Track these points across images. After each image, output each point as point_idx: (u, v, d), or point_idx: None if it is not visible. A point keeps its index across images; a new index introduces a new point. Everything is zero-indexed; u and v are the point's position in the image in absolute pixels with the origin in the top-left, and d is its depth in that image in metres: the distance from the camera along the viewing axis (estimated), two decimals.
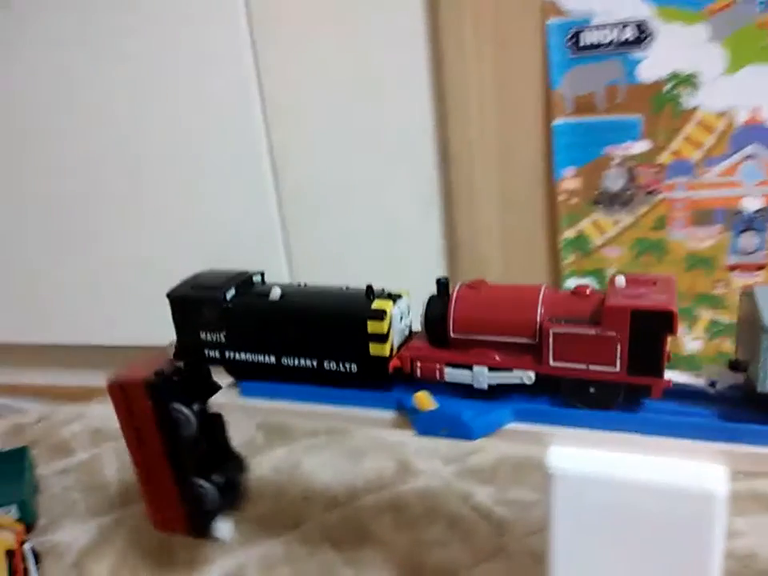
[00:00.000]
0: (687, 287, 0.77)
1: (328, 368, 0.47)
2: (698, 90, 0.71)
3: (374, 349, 0.45)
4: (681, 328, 0.79)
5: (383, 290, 0.47)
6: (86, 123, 0.93)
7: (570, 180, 0.78)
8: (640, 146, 0.74)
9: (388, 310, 0.45)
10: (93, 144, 0.94)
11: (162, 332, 0.52)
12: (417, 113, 0.80)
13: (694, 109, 0.72)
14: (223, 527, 0.54)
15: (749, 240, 0.75)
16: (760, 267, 0.75)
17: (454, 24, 0.75)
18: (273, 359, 0.49)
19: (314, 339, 0.47)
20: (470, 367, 0.43)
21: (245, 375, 0.51)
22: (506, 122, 0.78)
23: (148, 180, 0.94)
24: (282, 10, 0.82)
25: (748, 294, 0.40)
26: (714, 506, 0.36)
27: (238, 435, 0.79)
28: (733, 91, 0.70)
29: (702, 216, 0.75)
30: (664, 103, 0.72)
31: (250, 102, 0.85)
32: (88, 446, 0.82)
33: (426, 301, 0.46)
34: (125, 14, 0.87)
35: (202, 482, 0.52)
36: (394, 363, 0.46)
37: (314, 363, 0.48)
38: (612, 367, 0.39)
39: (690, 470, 0.37)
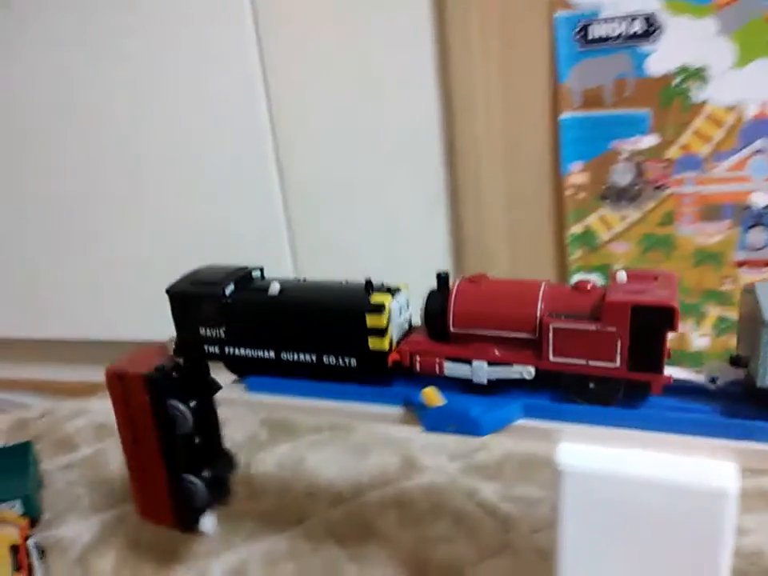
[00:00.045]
0: (695, 283, 0.77)
1: (327, 362, 0.47)
2: (706, 84, 0.70)
3: (373, 343, 0.45)
4: (688, 324, 0.78)
5: (382, 284, 0.47)
6: (85, 123, 0.93)
7: (577, 175, 0.77)
8: (648, 141, 0.74)
9: (387, 304, 0.44)
10: (93, 144, 0.94)
11: (162, 328, 0.52)
12: (423, 109, 0.80)
13: (703, 103, 0.71)
14: (207, 522, 0.54)
15: (757, 236, 0.74)
16: None
17: (461, 19, 0.74)
18: (272, 354, 0.49)
19: (313, 334, 0.47)
20: (469, 362, 0.43)
21: (244, 371, 0.51)
22: (512, 116, 0.77)
23: (149, 179, 0.94)
24: (288, 8, 0.82)
25: (749, 291, 0.40)
26: (725, 503, 0.35)
27: (242, 431, 0.80)
28: (742, 85, 0.70)
29: (711, 211, 0.74)
30: (673, 97, 0.71)
31: (256, 101, 0.85)
32: (92, 441, 0.82)
33: (426, 295, 0.45)
34: (125, 14, 0.87)
35: (192, 477, 0.52)
36: (394, 357, 0.46)
37: (314, 358, 0.48)
38: (612, 363, 0.39)
39: (700, 467, 0.37)
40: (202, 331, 0.50)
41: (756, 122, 0.70)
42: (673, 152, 0.73)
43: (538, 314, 0.41)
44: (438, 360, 0.44)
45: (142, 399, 0.50)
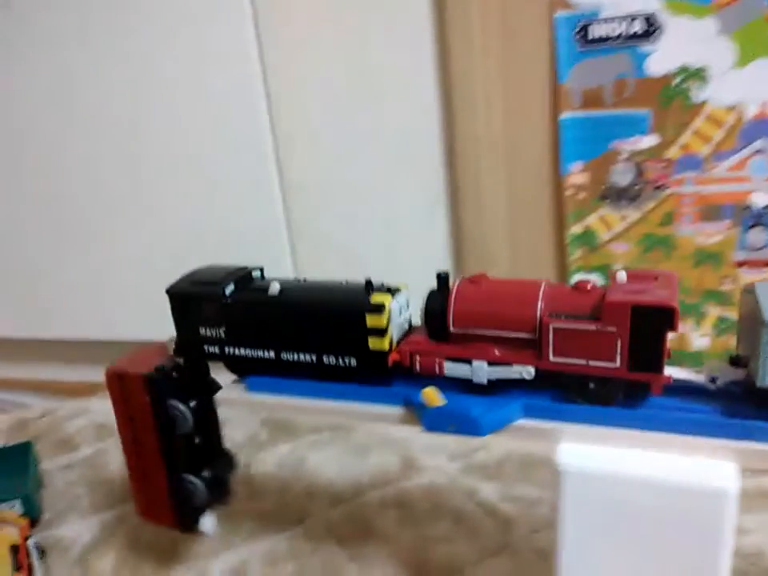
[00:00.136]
0: (695, 283, 0.77)
1: (327, 362, 0.47)
2: (707, 84, 0.70)
3: (373, 343, 0.45)
4: (688, 324, 0.78)
5: (382, 284, 0.47)
6: (85, 123, 0.93)
7: (577, 175, 0.77)
8: (648, 141, 0.74)
9: (386, 304, 0.44)
10: (93, 144, 0.94)
11: (162, 328, 0.52)
12: (423, 109, 0.80)
13: (703, 103, 0.71)
14: (207, 522, 0.54)
15: (757, 236, 0.74)
16: None
17: (461, 18, 0.74)
18: (272, 354, 0.49)
19: (313, 334, 0.47)
20: (469, 362, 0.43)
21: (244, 371, 0.51)
22: (512, 116, 0.77)
23: (149, 179, 0.94)
24: (288, 8, 0.82)
25: (749, 291, 0.40)
26: (725, 503, 0.35)
27: (242, 431, 0.80)
28: (742, 85, 0.70)
29: (711, 211, 0.74)
30: (673, 97, 0.71)
31: (256, 100, 0.85)
32: (92, 441, 0.82)
33: (426, 295, 0.45)
34: (125, 14, 0.86)
35: (192, 477, 0.52)
36: (394, 357, 0.46)
37: (314, 358, 0.48)
38: (612, 363, 0.39)
39: (700, 467, 0.37)
40: (202, 331, 0.50)
41: (756, 122, 0.70)
42: (673, 152, 0.73)
43: (538, 314, 0.41)
44: (437, 360, 0.44)
45: (142, 399, 0.50)
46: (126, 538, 0.62)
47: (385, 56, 0.80)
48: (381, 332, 0.45)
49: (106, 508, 0.68)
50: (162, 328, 0.52)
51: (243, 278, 0.50)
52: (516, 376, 0.42)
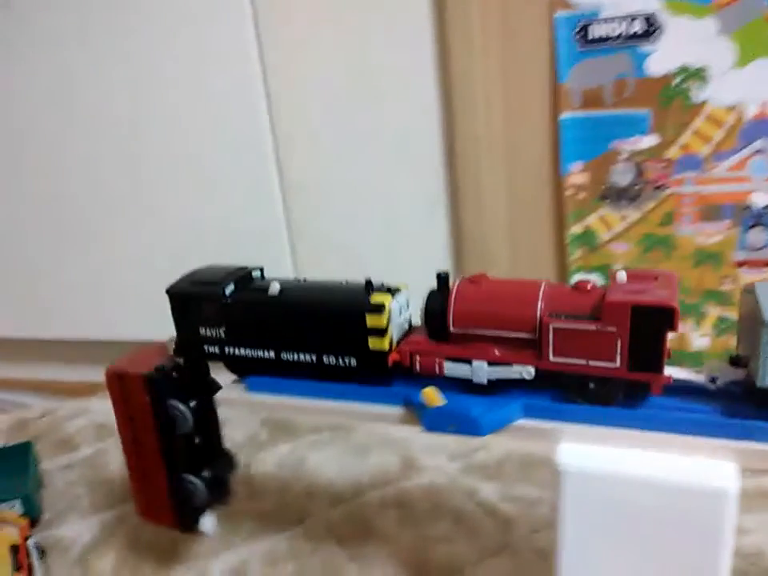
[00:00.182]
0: (695, 283, 0.77)
1: (327, 362, 0.47)
2: (707, 84, 0.70)
3: (373, 343, 0.45)
4: (688, 324, 0.78)
5: (382, 284, 0.47)
6: (85, 123, 0.93)
7: (577, 175, 0.77)
8: (648, 141, 0.74)
9: (386, 304, 0.44)
10: (93, 144, 0.94)
11: (162, 327, 0.52)
12: (423, 109, 0.80)
13: (703, 103, 0.71)
14: (207, 522, 0.54)
15: (757, 236, 0.74)
16: None
17: (461, 18, 0.74)
18: (272, 354, 0.49)
19: (313, 334, 0.47)
20: (469, 362, 0.43)
21: (244, 371, 0.51)
22: (512, 116, 0.77)
23: (149, 179, 0.94)
24: (288, 8, 0.82)
25: (749, 291, 0.40)
26: (725, 503, 0.35)
27: (243, 431, 0.80)
28: (742, 85, 0.70)
29: (711, 211, 0.74)
30: (673, 97, 0.71)
31: (256, 100, 0.85)
32: (92, 441, 0.82)
33: (426, 295, 0.45)
34: (125, 14, 0.86)
35: (192, 477, 0.52)
36: (394, 357, 0.46)
37: (314, 358, 0.47)
38: (612, 363, 0.39)
39: (700, 467, 0.37)
40: (202, 331, 0.50)
41: (756, 122, 0.70)
42: (673, 152, 0.73)
43: (538, 314, 0.41)
44: (437, 360, 0.44)
45: (142, 399, 0.50)
46: (126, 537, 0.62)
47: (385, 56, 0.80)
48: (381, 332, 0.45)
49: (106, 508, 0.68)
50: (162, 328, 0.52)
51: (243, 278, 0.50)
52: (516, 376, 0.42)
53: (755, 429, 0.37)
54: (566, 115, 0.75)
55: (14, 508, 0.64)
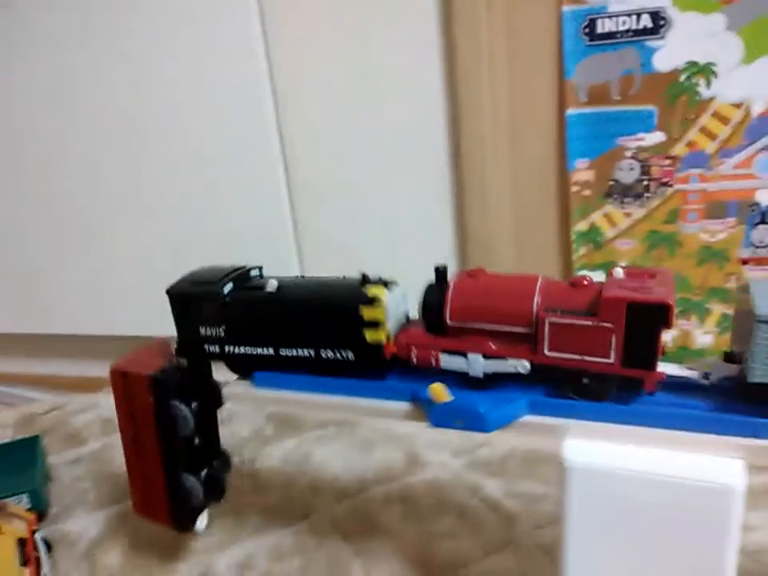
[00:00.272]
0: (700, 281, 0.77)
1: (325, 356, 0.47)
2: (714, 80, 0.70)
3: (370, 335, 0.45)
4: (692, 322, 0.78)
5: (379, 277, 0.47)
6: (85, 123, 0.94)
7: (582, 171, 0.77)
8: (654, 138, 0.73)
9: (381, 296, 0.45)
10: (95, 144, 0.94)
11: (163, 325, 0.52)
12: (429, 107, 0.80)
13: (710, 99, 0.71)
14: (203, 520, 0.55)
15: (763, 233, 0.74)
16: None
17: (467, 15, 0.74)
18: (271, 351, 0.49)
19: (311, 328, 0.47)
20: (465, 355, 0.43)
21: (245, 369, 0.51)
22: (518, 113, 0.77)
23: (150, 178, 0.94)
24: (295, 4, 0.82)
25: (744, 287, 0.40)
26: (732, 500, 0.35)
27: (248, 426, 0.80)
28: (749, 82, 0.69)
29: (716, 209, 0.74)
30: (679, 93, 0.71)
31: (262, 99, 0.85)
32: (99, 435, 0.83)
33: (424, 288, 0.45)
34: (125, 14, 0.86)
35: (190, 477, 0.52)
36: (391, 349, 0.46)
37: (312, 353, 0.48)
38: (606, 359, 0.39)
39: (707, 464, 0.37)
40: (202, 331, 0.50)
41: (762, 119, 0.70)
42: (679, 149, 0.73)
43: (535, 309, 0.41)
44: (434, 353, 0.44)
45: (145, 400, 0.50)
46: (133, 532, 0.63)
47: (391, 55, 0.79)
48: (377, 324, 0.45)
49: (113, 502, 0.68)
50: (162, 326, 0.52)
51: (241, 276, 0.51)
52: (511, 370, 0.42)
53: (760, 425, 0.37)
54: (572, 111, 0.75)
55: (22, 502, 0.64)
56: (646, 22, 0.70)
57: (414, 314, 0.47)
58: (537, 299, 0.41)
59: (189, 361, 0.52)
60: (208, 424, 0.55)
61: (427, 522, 0.60)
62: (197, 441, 0.53)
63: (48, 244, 1.03)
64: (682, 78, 0.71)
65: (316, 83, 0.84)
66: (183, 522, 0.54)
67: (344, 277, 0.49)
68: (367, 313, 0.45)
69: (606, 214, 0.78)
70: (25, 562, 0.54)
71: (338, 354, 0.47)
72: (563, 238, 0.81)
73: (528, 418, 0.42)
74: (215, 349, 0.50)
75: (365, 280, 0.47)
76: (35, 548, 0.57)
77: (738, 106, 0.70)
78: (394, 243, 0.87)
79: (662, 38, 0.70)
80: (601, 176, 0.77)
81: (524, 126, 0.78)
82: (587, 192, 0.78)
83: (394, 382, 0.46)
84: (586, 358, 0.40)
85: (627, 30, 0.71)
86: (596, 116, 0.74)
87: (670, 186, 0.75)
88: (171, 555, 0.59)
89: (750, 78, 0.69)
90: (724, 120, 0.71)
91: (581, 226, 0.79)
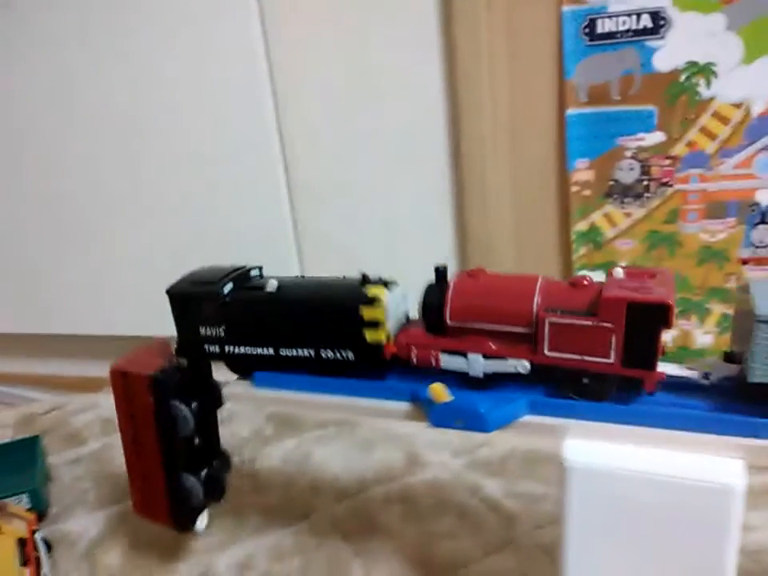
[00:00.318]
0: (700, 281, 0.77)
1: (325, 357, 0.47)
2: (714, 80, 0.70)
3: (370, 335, 0.45)
4: (692, 322, 0.78)
5: (380, 277, 0.47)
6: (85, 123, 0.94)
7: (582, 171, 0.77)
8: (654, 138, 0.74)
9: (381, 296, 0.45)
10: (96, 144, 0.94)
11: (164, 325, 0.52)
12: (429, 107, 0.80)
13: (710, 99, 0.71)
14: (202, 520, 0.55)
15: (763, 233, 0.74)
16: None
17: (467, 15, 0.74)
18: (271, 351, 0.49)
19: (311, 328, 0.47)
20: (465, 355, 0.43)
21: (245, 369, 0.51)
22: (518, 113, 0.77)
23: (150, 178, 0.94)
24: (294, 5, 0.82)
25: (744, 287, 0.40)
26: (732, 500, 0.35)
27: (248, 426, 0.80)
28: (749, 82, 0.69)
29: (716, 209, 0.74)
30: (680, 93, 0.71)
31: (262, 98, 0.85)
32: (99, 435, 0.83)
33: (424, 288, 0.45)
34: (125, 14, 0.86)
35: (190, 477, 0.52)
36: (391, 349, 0.46)
37: (312, 353, 0.48)
38: (606, 359, 0.39)
39: (707, 463, 0.37)
40: (202, 331, 0.50)
41: (762, 118, 0.70)
42: (679, 149, 0.73)
43: (535, 309, 0.41)
44: (434, 353, 0.44)
45: (145, 400, 0.50)
46: (133, 532, 0.63)
47: (391, 55, 0.80)
48: (377, 324, 0.45)
49: (113, 502, 0.68)
50: (162, 325, 0.52)
51: (241, 276, 0.51)
52: (511, 370, 0.42)
53: (760, 425, 0.37)
54: (572, 111, 0.75)
55: (22, 502, 0.64)
56: (646, 21, 0.70)
57: (414, 314, 0.48)
58: (537, 299, 0.41)
59: (189, 361, 0.52)
60: (208, 424, 0.55)
61: (427, 522, 0.60)
62: (197, 441, 0.53)
63: (48, 244, 1.03)
64: (682, 78, 0.71)
65: (316, 83, 0.84)
66: (183, 522, 0.54)
67: (344, 277, 0.49)
68: (367, 313, 0.45)
69: (606, 213, 0.78)
70: (25, 562, 0.54)
71: (338, 354, 0.47)
72: (563, 237, 0.81)
73: (528, 418, 0.42)
74: (215, 349, 0.50)
75: (365, 280, 0.47)
76: (35, 548, 0.57)
77: (738, 106, 0.70)
78: (394, 243, 0.87)
79: (662, 38, 0.70)
80: (601, 176, 0.77)
81: (524, 126, 0.78)
82: (587, 192, 0.78)
83: (394, 382, 0.47)
84: (586, 357, 0.40)
85: (627, 30, 0.71)
86: (596, 116, 0.75)
87: (670, 186, 0.75)
88: (171, 555, 0.59)
89: (750, 78, 0.69)
90: (724, 120, 0.71)
91: (581, 225, 0.79)
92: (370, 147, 0.84)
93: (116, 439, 0.80)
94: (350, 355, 0.47)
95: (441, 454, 0.71)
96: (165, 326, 0.52)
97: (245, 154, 0.88)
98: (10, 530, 0.56)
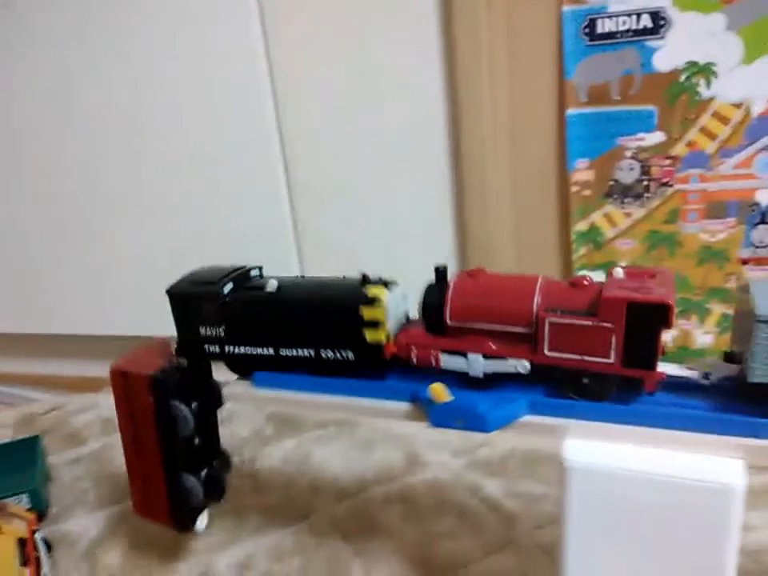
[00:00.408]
0: (700, 281, 0.77)
1: (325, 357, 0.47)
2: (714, 80, 0.70)
3: (370, 335, 0.45)
4: (692, 322, 0.78)
5: (380, 277, 0.47)
6: (85, 123, 0.94)
7: (582, 171, 0.77)
8: (654, 138, 0.74)
9: (381, 296, 0.45)
10: (95, 144, 0.94)
11: (164, 325, 0.52)
12: (429, 107, 0.80)
13: (710, 99, 0.71)
14: (202, 520, 0.55)
15: (763, 233, 0.74)
16: None
17: (467, 16, 0.74)
18: (271, 351, 0.49)
19: (311, 328, 0.47)
20: (465, 355, 0.43)
21: (245, 369, 0.51)
22: (518, 113, 0.77)
23: (150, 178, 0.94)
24: (294, 5, 0.82)
25: (744, 287, 0.40)
26: (732, 499, 0.35)
27: (248, 426, 0.80)
28: (749, 82, 0.69)
29: (716, 209, 0.74)
30: (680, 93, 0.71)
31: (262, 98, 0.85)
32: (99, 435, 0.83)
33: (424, 288, 0.45)
34: (125, 14, 0.86)
35: (190, 477, 0.52)
36: (391, 349, 0.46)
37: (312, 353, 0.48)
38: (606, 359, 0.39)
39: (707, 463, 0.37)
40: (203, 331, 0.50)
41: (762, 118, 0.70)
42: (679, 149, 0.73)
43: (535, 309, 0.41)
44: (434, 353, 0.44)
45: (145, 400, 0.50)
46: (133, 532, 0.63)
47: (391, 55, 0.80)
48: (377, 324, 0.45)
49: (113, 502, 0.68)
50: (162, 325, 0.52)
51: (241, 276, 0.51)
52: (511, 370, 0.42)
53: (760, 426, 0.37)
54: (572, 111, 0.75)
55: (22, 502, 0.64)
56: (646, 21, 0.70)
57: (414, 314, 0.48)
58: (537, 299, 0.41)
59: (189, 361, 0.52)
60: (208, 424, 0.55)
61: (427, 522, 0.60)
62: (197, 441, 0.53)
63: (48, 244, 1.03)
64: (682, 77, 0.71)
65: (316, 83, 0.84)
66: (183, 521, 0.54)
67: (344, 277, 0.49)
68: (367, 313, 0.45)
69: (606, 213, 0.78)
70: (25, 562, 0.54)
71: (338, 354, 0.47)
72: (563, 238, 0.81)
73: (528, 418, 0.42)
74: (215, 349, 0.50)
75: (365, 280, 0.47)
76: (35, 548, 0.57)
77: (738, 105, 0.70)
78: (394, 243, 0.87)
79: (662, 37, 0.70)
80: (601, 176, 0.77)
81: (524, 126, 0.78)
82: (587, 192, 0.78)
83: (394, 382, 0.47)
84: (586, 357, 0.40)
85: (627, 30, 0.71)
86: (596, 116, 0.75)
87: (670, 186, 0.75)
88: (171, 555, 0.59)
89: (750, 77, 0.69)
90: (724, 120, 0.71)
91: (581, 225, 0.79)
92: (370, 147, 0.84)
93: (116, 439, 0.80)
94: (350, 355, 0.47)
95: (441, 454, 0.71)
96: (165, 326, 0.52)
97: (245, 154, 0.88)
98: (10, 529, 0.56)
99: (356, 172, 0.86)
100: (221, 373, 0.53)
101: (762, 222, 0.73)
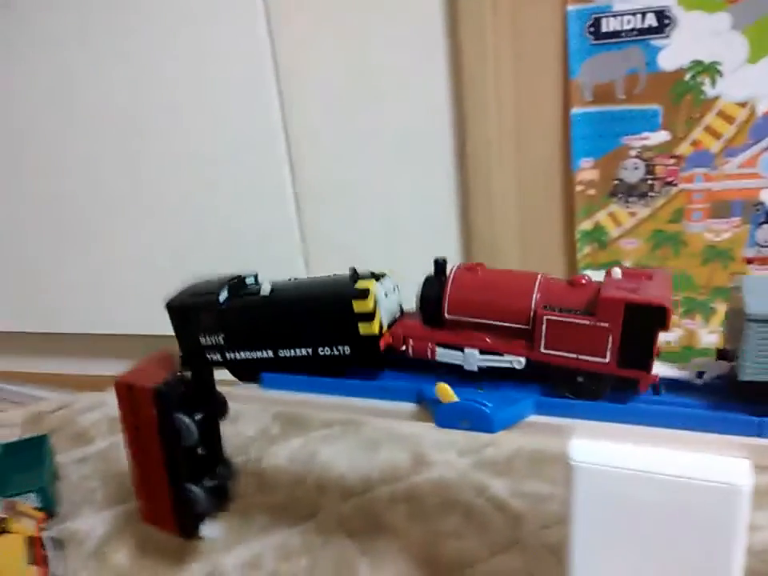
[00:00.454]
0: (704, 280, 0.77)
1: (323, 354, 0.48)
2: (719, 79, 0.70)
3: (364, 328, 0.46)
4: (697, 321, 0.78)
5: (372, 272, 0.48)
6: (85, 123, 0.94)
7: (587, 171, 0.77)
8: (659, 137, 0.73)
9: (371, 288, 0.45)
10: (95, 144, 0.94)
11: (163, 324, 0.52)
12: (435, 107, 0.80)
13: (715, 98, 0.71)
14: (211, 527, 0.55)
15: (767, 232, 0.74)
16: None
17: (473, 14, 0.74)
18: (270, 353, 0.49)
19: (306, 327, 0.48)
20: (461, 349, 0.43)
21: (247, 374, 0.51)
22: (523, 113, 0.77)
23: (150, 178, 0.94)
24: (299, 5, 0.82)
25: (737, 286, 0.40)
26: (738, 499, 0.36)
27: (254, 425, 0.81)
28: (754, 81, 0.69)
29: (721, 208, 0.74)
30: (684, 92, 0.71)
31: (268, 98, 0.85)
32: (107, 434, 0.83)
33: (423, 280, 0.46)
34: (125, 14, 0.87)
35: (194, 487, 0.53)
36: (386, 340, 0.46)
37: (309, 351, 0.48)
38: (602, 358, 0.39)
39: (713, 463, 0.37)
40: (203, 340, 0.51)
41: (767, 118, 0.70)
42: (683, 148, 0.73)
43: (533, 306, 0.41)
44: (430, 345, 0.44)
45: (149, 412, 0.51)
46: (141, 531, 0.63)
47: (397, 56, 0.79)
48: (369, 316, 0.45)
49: (120, 501, 0.69)
50: (162, 327, 0.52)
51: (236, 284, 0.51)
52: (507, 365, 0.42)
53: (762, 425, 0.37)
54: (576, 110, 0.75)
55: (30, 501, 0.64)
56: (650, 20, 0.70)
57: (408, 305, 0.48)
58: (535, 296, 0.41)
59: (192, 372, 0.52)
60: (212, 434, 0.55)
61: (433, 522, 0.61)
62: (200, 451, 0.54)
63: (48, 244, 1.04)
64: (687, 77, 0.71)
65: (321, 84, 0.83)
66: (188, 530, 0.54)
67: (335, 274, 0.49)
68: (358, 306, 0.45)
69: (611, 213, 0.78)
70: (33, 561, 0.55)
71: (335, 350, 0.47)
72: (568, 237, 0.81)
73: (534, 418, 0.42)
74: (217, 357, 0.51)
75: (355, 275, 0.47)
76: (44, 546, 0.57)
77: (742, 105, 0.70)
78: (398, 244, 0.87)
79: (667, 36, 0.70)
80: (605, 175, 0.77)
81: (529, 126, 0.78)
82: (592, 191, 0.78)
83: (401, 383, 0.47)
84: (582, 356, 0.40)
85: (632, 29, 0.71)
86: (601, 115, 0.74)
87: (675, 185, 0.75)
88: (179, 555, 0.60)
89: (755, 77, 0.69)
90: (729, 119, 0.71)
91: (585, 225, 0.79)
92: (375, 148, 0.84)
93: (122, 438, 0.81)
94: (347, 350, 0.47)
95: (447, 454, 0.71)
96: (165, 326, 0.52)
97: (248, 154, 0.88)
98: (19, 528, 0.56)
99: (360, 172, 0.86)
100: (227, 378, 0.53)
101: (767, 221, 0.73)
